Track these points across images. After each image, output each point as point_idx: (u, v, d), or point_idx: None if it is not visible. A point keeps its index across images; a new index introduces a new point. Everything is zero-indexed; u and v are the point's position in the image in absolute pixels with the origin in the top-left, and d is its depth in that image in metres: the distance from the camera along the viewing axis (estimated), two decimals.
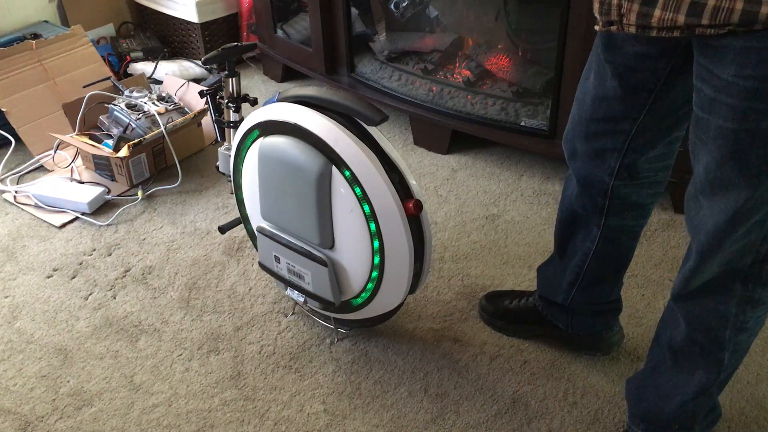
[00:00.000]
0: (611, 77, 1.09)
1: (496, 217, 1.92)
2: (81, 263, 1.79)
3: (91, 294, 1.69)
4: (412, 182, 1.29)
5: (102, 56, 2.47)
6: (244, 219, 1.56)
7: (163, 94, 2.24)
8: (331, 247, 1.36)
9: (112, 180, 2.10)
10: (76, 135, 2.15)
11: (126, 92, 2.22)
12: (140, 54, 2.69)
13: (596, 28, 1.02)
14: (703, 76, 0.91)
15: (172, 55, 2.82)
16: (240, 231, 1.82)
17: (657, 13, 0.88)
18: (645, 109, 1.10)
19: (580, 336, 1.47)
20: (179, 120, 2.12)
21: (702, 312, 1.09)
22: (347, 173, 1.25)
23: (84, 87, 2.26)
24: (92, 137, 2.16)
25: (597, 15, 0.99)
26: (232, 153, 1.48)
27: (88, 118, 2.18)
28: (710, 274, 1.04)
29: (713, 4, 0.83)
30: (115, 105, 2.15)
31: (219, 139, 1.77)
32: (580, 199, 1.28)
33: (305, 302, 1.50)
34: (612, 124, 1.14)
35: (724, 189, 0.94)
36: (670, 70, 1.04)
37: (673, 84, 1.06)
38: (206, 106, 1.78)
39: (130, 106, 2.13)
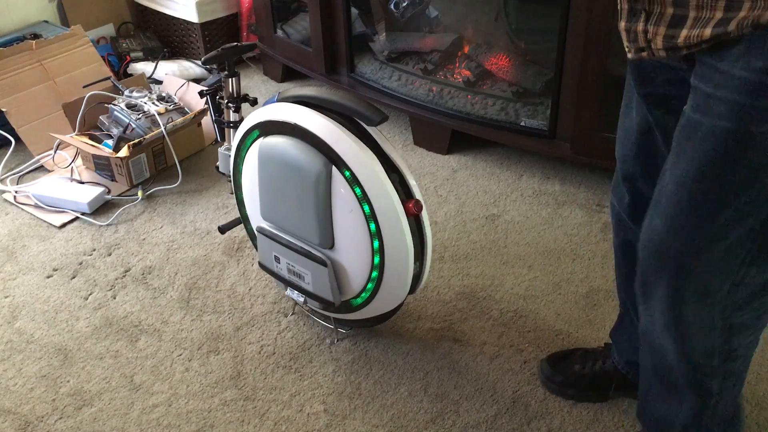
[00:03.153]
0: (648, 110, 1.03)
1: (496, 217, 1.92)
2: (81, 263, 1.79)
3: (91, 294, 1.69)
4: (412, 182, 1.29)
5: (102, 56, 2.47)
6: (244, 219, 1.56)
7: (163, 94, 2.24)
8: (331, 247, 1.36)
9: (112, 180, 2.10)
10: (76, 135, 2.15)
11: (126, 92, 2.22)
12: (140, 54, 2.69)
13: (629, 56, 0.96)
14: (704, 73, 0.86)
15: (172, 55, 2.82)
16: (240, 231, 1.82)
17: (684, 32, 0.85)
18: None
19: None
20: (179, 120, 2.12)
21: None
22: (347, 173, 1.25)
23: (84, 87, 2.27)
24: (92, 137, 2.16)
25: (627, 44, 0.95)
26: (232, 153, 1.48)
27: (88, 118, 2.18)
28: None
29: (743, 15, 0.79)
30: (115, 105, 2.15)
31: (219, 139, 1.77)
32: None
33: (305, 302, 1.50)
34: (660, 159, 1.04)
35: (699, 203, 0.87)
36: None
37: None
38: (206, 106, 1.78)
39: (130, 106, 2.14)
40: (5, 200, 2.03)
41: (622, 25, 0.94)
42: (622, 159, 1.14)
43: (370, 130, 1.28)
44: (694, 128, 0.87)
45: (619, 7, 0.93)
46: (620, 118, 1.12)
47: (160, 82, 2.51)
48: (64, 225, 1.93)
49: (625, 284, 1.26)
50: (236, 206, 1.57)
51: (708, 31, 0.82)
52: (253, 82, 2.70)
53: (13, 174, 2.14)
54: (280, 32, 2.56)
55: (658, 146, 1.06)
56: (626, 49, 0.96)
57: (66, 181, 2.07)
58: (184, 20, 2.69)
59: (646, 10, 0.89)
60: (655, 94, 1.02)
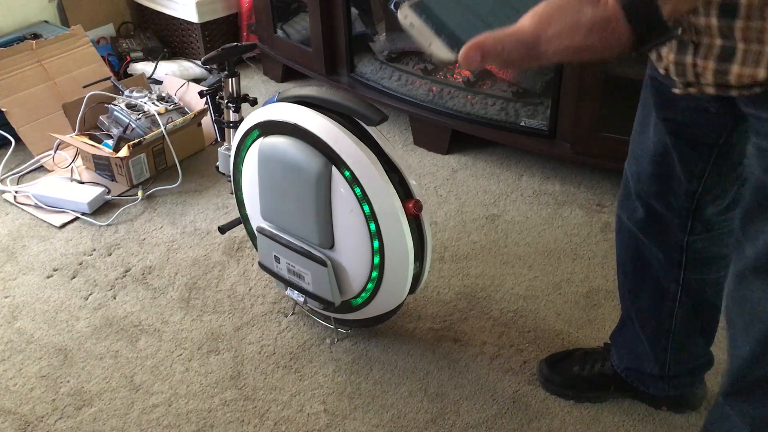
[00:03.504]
0: (667, 134, 1.00)
1: (496, 217, 1.92)
2: (81, 263, 1.79)
3: (91, 294, 1.69)
4: (412, 182, 1.29)
5: (102, 56, 2.47)
6: (244, 219, 1.56)
7: (163, 94, 2.24)
8: (331, 247, 1.36)
9: (112, 180, 2.10)
10: (76, 135, 2.15)
11: (126, 92, 2.22)
12: (140, 54, 2.69)
13: (676, 91, 0.89)
14: (762, 130, 0.80)
15: (172, 55, 2.82)
16: (240, 231, 1.82)
17: (735, 69, 0.78)
18: (709, 166, 0.99)
19: (671, 397, 1.34)
20: (179, 120, 2.12)
21: (765, 414, 0.90)
22: (347, 173, 1.25)
23: (84, 87, 2.27)
24: (92, 137, 2.16)
25: (674, 77, 0.88)
26: (232, 153, 1.48)
27: (88, 118, 2.18)
28: None
29: None
30: (115, 105, 2.15)
31: (219, 139, 1.77)
32: (652, 255, 1.16)
33: (305, 302, 1.50)
34: (677, 181, 1.04)
35: None
36: (733, 125, 0.93)
37: (739, 137, 0.94)
38: (206, 106, 1.78)
39: (130, 106, 2.13)
40: (5, 200, 2.03)
41: (672, 57, 0.87)
42: (635, 177, 1.11)
43: (370, 130, 1.28)
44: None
45: None
46: (634, 133, 1.09)
47: (160, 82, 2.51)
48: (64, 225, 1.93)
49: (632, 294, 1.25)
50: (236, 206, 1.57)
51: (762, 72, 0.75)
52: (253, 82, 2.70)
53: (13, 174, 2.14)
54: (280, 32, 2.56)
55: (675, 169, 1.03)
56: (676, 85, 0.89)
57: (66, 181, 2.07)
58: (184, 20, 2.69)
59: (694, 41, 0.82)
60: (674, 120, 0.98)
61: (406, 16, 0.60)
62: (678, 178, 1.03)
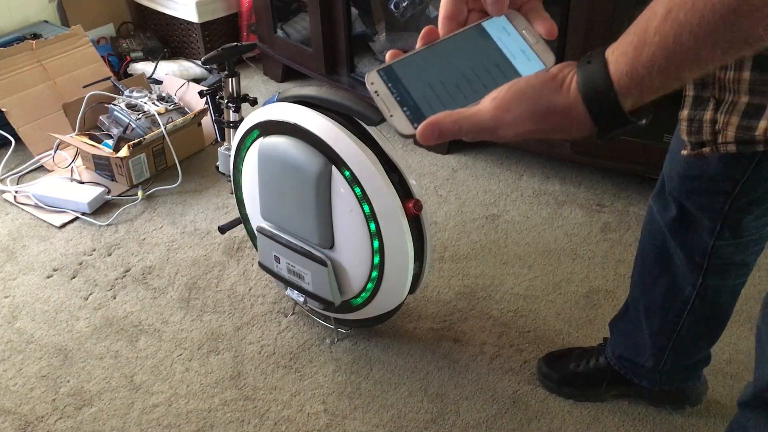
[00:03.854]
0: None
1: (496, 217, 1.92)
2: (81, 263, 1.79)
3: (91, 294, 1.69)
4: (412, 182, 1.29)
5: (102, 56, 2.47)
6: (244, 219, 1.56)
7: (163, 94, 2.24)
8: (331, 247, 1.36)
9: (112, 180, 2.10)
10: (76, 135, 2.15)
11: (126, 92, 2.22)
12: (140, 54, 2.69)
13: (683, 153, 0.86)
14: None
15: (172, 55, 2.82)
16: (240, 231, 1.82)
17: (763, 124, 0.76)
18: (748, 171, 0.96)
19: (666, 392, 1.35)
20: (179, 120, 2.12)
21: None
22: (347, 173, 1.25)
23: (84, 87, 2.26)
24: (92, 137, 2.16)
25: (684, 137, 0.85)
26: (232, 153, 1.48)
27: (88, 118, 2.18)
28: None
29: None
30: (115, 105, 2.15)
31: (219, 139, 1.77)
32: (675, 254, 1.15)
33: (305, 302, 1.50)
34: (710, 183, 1.01)
35: None
36: None
37: None
38: (206, 106, 1.78)
39: (130, 106, 2.14)
40: (5, 200, 2.03)
41: (685, 113, 0.84)
42: (667, 174, 1.10)
43: (370, 130, 1.28)
44: None
45: (683, 94, 0.83)
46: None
47: (160, 82, 2.51)
48: (64, 225, 1.93)
49: (645, 286, 1.24)
50: (236, 206, 1.57)
51: None
52: (253, 82, 2.70)
53: (13, 174, 2.14)
54: (280, 32, 2.56)
55: (707, 170, 1.00)
56: (684, 144, 0.84)
57: (66, 181, 2.07)
58: (184, 20, 2.69)
59: (716, 98, 0.79)
60: None
61: (372, 82, 0.59)
62: (710, 178, 1.00)
